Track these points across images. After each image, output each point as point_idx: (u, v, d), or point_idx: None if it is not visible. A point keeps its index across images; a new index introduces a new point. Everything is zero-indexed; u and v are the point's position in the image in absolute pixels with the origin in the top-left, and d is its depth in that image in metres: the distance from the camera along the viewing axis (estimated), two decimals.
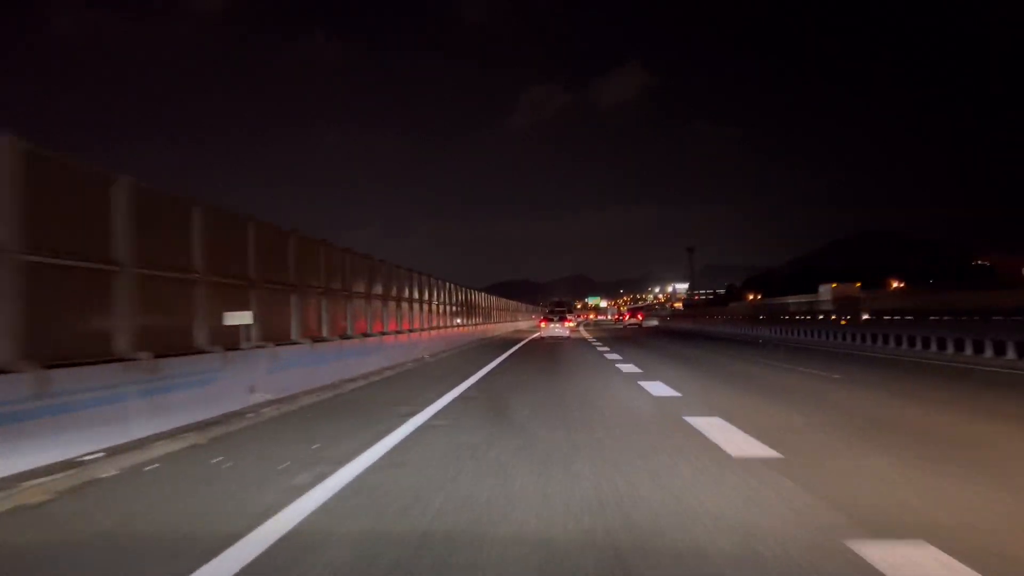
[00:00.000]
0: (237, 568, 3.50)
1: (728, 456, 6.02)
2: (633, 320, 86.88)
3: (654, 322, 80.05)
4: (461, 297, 31.96)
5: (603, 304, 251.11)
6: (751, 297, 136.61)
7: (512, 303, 62.59)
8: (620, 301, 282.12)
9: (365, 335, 15.43)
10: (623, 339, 35.56)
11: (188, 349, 8.24)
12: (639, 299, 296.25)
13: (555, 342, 32.43)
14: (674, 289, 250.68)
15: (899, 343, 22.58)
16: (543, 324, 40.67)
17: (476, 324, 36.15)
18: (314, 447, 6.76)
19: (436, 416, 8.79)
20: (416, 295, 21.84)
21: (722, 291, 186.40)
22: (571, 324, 43.54)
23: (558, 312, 41.95)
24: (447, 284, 28.11)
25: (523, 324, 61.48)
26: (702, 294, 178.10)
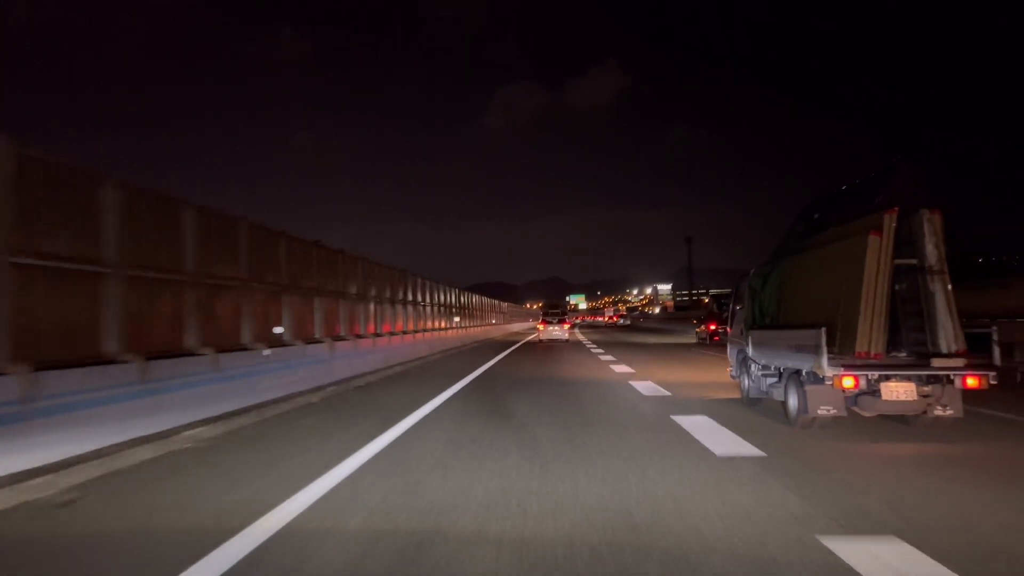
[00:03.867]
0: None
1: (591, 352, 25.75)
2: (611, 321, 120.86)
3: (627, 322, 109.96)
4: (471, 302, 36.53)
5: (582, 305, 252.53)
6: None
7: (514, 306, 66.24)
8: (604, 301, 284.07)
9: (376, 336, 15.31)
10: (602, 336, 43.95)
11: (179, 351, 8.12)
12: (621, 299, 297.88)
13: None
14: (655, 289, 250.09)
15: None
16: (543, 326, 39.74)
17: (490, 324, 41.38)
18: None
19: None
20: (426, 298, 23.95)
21: (716, 291, 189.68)
22: (568, 326, 41.48)
23: (555, 314, 40.44)
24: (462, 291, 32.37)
25: (515, 326, 65.03)
26: (690, 294, 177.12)
